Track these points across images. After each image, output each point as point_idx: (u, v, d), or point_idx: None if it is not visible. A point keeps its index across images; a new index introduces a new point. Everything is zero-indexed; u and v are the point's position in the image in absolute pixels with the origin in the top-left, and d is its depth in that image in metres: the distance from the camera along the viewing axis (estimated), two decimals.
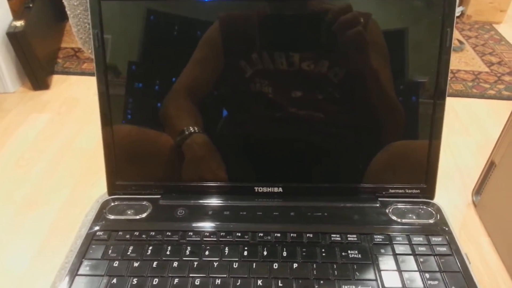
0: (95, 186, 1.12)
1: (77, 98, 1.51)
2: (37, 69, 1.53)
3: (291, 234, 0.45)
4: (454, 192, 1.14)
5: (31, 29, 1.48)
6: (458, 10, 2.12)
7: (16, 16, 1.50)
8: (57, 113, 1.43)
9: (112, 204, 0.50)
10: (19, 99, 1.50)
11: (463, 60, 1.76)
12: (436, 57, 0.45)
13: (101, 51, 0.47)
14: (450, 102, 1.51)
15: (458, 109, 1.47)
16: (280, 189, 0.50)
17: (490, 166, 1.02)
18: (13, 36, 1.43)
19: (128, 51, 0.48)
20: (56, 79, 1.62)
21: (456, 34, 1.96)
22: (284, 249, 0.43)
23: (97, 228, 0.46)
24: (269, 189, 0.50)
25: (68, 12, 0.50)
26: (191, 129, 0.49)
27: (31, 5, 1.57)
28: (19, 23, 1.46)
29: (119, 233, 0.45)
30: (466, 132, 1.37)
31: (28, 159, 1.23)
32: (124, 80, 0.48)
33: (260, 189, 0.50)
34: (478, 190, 1.08)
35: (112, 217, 0.48)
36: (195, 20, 0.46)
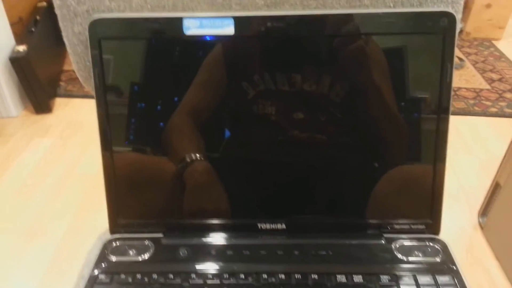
0: (98, 213, 1.10)
1: (79, 121, 1.51)
2: (39, 93, 1.54)
3: (296, 276, 0.44)
4: (460, 213, 1.13)
5: (34, 53, 1.50)
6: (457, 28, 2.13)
7: (19, 40, 1.52)
8: (59, 138, 1.44)
9: (114, 244, 0.49)
10: (21, 124, 1.51)
11: (463, 78, 1.77)
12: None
13: (102, 89, 0.47)
14: (452, 121, 1.49)
15: (460, 127, 1.47)
16: (284, 226, 0.49)
17: (495, 187, 1.01)
18: (15, 61, 1.45)
19: (129, 86, 0.48)
20: (59, 102, 1.63)
21: (456, 51, 1.97)
22: None
23: (99, 270, 0.46)
24: (273, 226, 0.49)
25: (69, 50, 0.50)
26: (193, 156, 0.49)
27: (33, 29, 1.59)
28: (22, 48, 1.47)
29: (121, 276, 0.45)
30: (469, 151, 1.36)
31: (30, 185, 1.23)
32: (125, 113, 0.48)
33: (263, 226, 0.49)
34: (484, 211, 1.07)
35: (114, 258, 0.47)
36: (195, 48, 0.46)
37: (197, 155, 0.49)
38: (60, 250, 1.03)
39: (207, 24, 0.45)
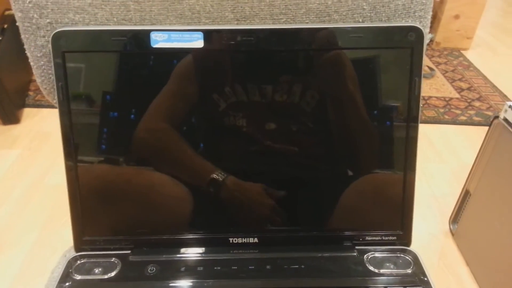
0: (66, 226, 1.07)
1: (48, 132, 1.47)
2: (6, 103, 1.48)
3: None
4: (431, 220, 1.15)
5: (0, 63, 1.45)
6: (427, 37, 2.18)
7: None
8: (27, 148, 1.39)
9: (79, 262, 0.47)
10: None
11: (434, 87, 1.81)
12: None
13: (65, 103, 0.45)
14: (423, 129, 1.54)
15: (431, 135, 1.50)
16: (256, 240, 0.49)
17: (465, 195, 1.03)
18: None
19: (94, 99, 0.46)
20: (27, 112, 1.58)
21: (426, 61, 2.02)
22: None
23: None
24: (244, 240, 0.49)
25: (31, 63, 0.49)
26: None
27: (0, 38, 1.54)
28: None
29: None
30: (439, 158, 1.39)
31: None
32: (90, 127, 0.47)
33: (235, 240, 0.49)
34: (455, 218, 1.09)
35: (78, 277, 0.45)
36: (163, 61, 0.45)
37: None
38: (26, 265, 0.99)
39: (176, 37, 0.44)
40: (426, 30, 0.47)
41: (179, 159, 0.49)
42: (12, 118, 1.51)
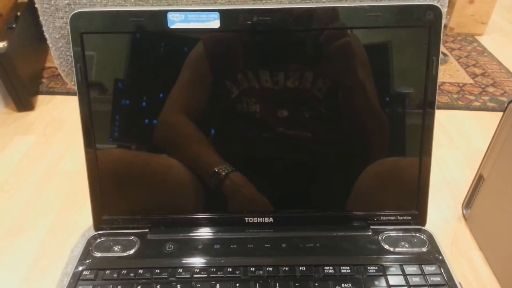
0: (81, 210, 1.10)
1: (62, 118, 1.49)
2: (21, 90, 1.50)
3: (284, 268, 0.44)
4: (444, 205, 1.14)
5: (15, 50, 1.46)
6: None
7: None
8: (42, 135, 1.41)
9: (99, 240, 0.48)
10: (3, 121, 1.47)
11: (447, 72, 1.79)
12: (424, 70, 0.45)
13: (84, 85, 0.46)
14: (436, 115, 1.51)
15: (444, 121, 1.49)
16: (271, 219, 0.49)
17: (479, 180, 1.03)
18: None
19: (112, 82, 0.47)
20: (41, 99, 1.59)
21: None
22: (277, 284, 0.43)
23: (83, 267, 0.45)
24: (260, 220, 0.49)
25: (50, 45, 0.49)
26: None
27: (14, 26, 1.55)
28: (2, 44, 1.44)
29: (106, 272, 0.44)
30: (453, 144, 1.38)
31: (12, 183, 1.20)
32: (109, 108, 0.47)
33: (251, 220, 0.49)
34: (468, 203, 1.08)
35: (98, 254, 0.47)
36: (180, 43, 0.46)
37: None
38: (43, 248, 1.01)
39: (192, 17, 0.44)
40: (444, 9, 0.47)
41: (188, 147, 0.49)
42: (26, 105, 1.53)
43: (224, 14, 0.44)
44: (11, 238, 1.04)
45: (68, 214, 1.10)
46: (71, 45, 0.45)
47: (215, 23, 0.44)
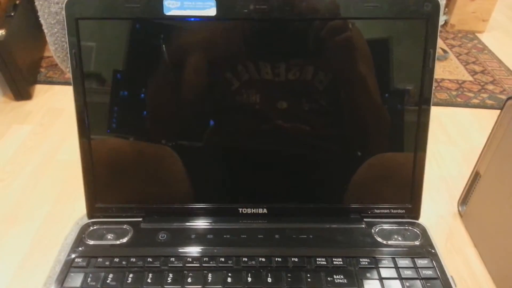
0: (78, 199, 1.08)
1: (60, 108, 1.48)
2: (19, 79, 1.50)
3: (276, 259, 0.44)
4: (440, 202, 1.15)
5: (13, 38, 1.46)
6: (441, 19, 2.14)
7: None
8: (39, 124, 1.41)
9: (92, 228, 0.48)
10: (0, 110, 1.47)
11: (447, 69, 1.78)
12: (421, 67, 0.45)
13: (79, 71, 0.46)
14: (435, 111, 1.51)
15: (442, 118, 1.48)
16: (265, 210, 0.49)
17: (475, 177, 1.03)
18: None
19: (108, 68, 0.47)
20: (39, 88, 1.59)
21: (440, 43, 1.99)
22: (269, 274, 0.43)
23: (76, 254, 0.45)
24: (254, 210, 0.49)
25: (45, 31, 0.49)
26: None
27: (12, 14, 1.54)
28: (0, 33, 1.43)
29: (99, 259, 0.44)
30: (450, 141, 1.38)
31: (9, 172, 1.20)
32: (103, 97, 0.47)
33: (245, 210, 0.49)
34: (464, 200, 1.08)
35: (91, 242, 0.46)
36: (178, 32, 0.45)
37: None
38: (39, 236, 1.01)
39: (189, 4, 0.44)
40: (442, 1, 0.46)
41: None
42: (24, 94, 1.52)
43: (220, 1, 0.43)
44: (7, 227, 1.04)
45: (65, 204, 1.10)
46: (66, 30, 0.44)
47: (211, 11, 0.44)
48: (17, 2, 1.59)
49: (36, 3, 0.47)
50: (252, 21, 0.44)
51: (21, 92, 1.52)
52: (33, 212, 1.08)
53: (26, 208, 1.09)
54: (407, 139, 0.47)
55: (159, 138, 0.48)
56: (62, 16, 0.45)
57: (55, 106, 1.49)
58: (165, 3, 0.44)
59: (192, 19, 0.44)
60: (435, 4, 0.43)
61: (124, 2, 0.44)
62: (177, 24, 0.45)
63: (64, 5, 0.44)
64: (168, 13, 0.44)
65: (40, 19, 0.48)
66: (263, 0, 0.43)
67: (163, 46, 0.46)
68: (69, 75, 0.47)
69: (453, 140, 1.39)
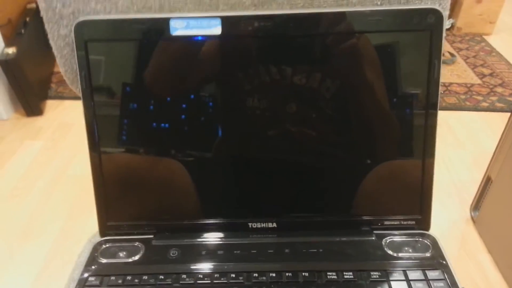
0: (90, 215, 1.10)
1: (70, 123, 1.50)
2: (30, 95, 1.52)
3: (287, 274, 0.44)
4: (452, 208, 1.14)
5: (23, 56, 1.48)
6: (448, 23, 2.14)
7: (8, 42, 1.50)
8: (50, 140, 1.43)
9: (104, 246, 0.49)
10: (12, 126, 1.49)
11: (455, 73, 1.77)
12: (426, 73, 0.45)
13: (89, 92, 0.46)
14: (444, 116, 1.51)
15: (452, 122, 1.47)
16: (274, 224, 0.49)
17: (487, 182, 1.02)
18: (5, 64, 1.43)
19: (117, 88, 0.48)
20: (50, 104, 1.61)
21: (447, 47, 1.98)
22: None
23: (89, 273, 0.46)
24: (263, 225, 0.49)
25: (55, 53, 0.50)
26: None
27: (23, 31, 1.57)
28: (11, 50, 1.46)
29: (111, 278, 0.45)
30: (460, 145, 1.37)
31: (22, 188, 1.22)
32: (113, 115, 0.48)
33: (254, 225, 0.49)
34: (476, 205, 1.07)
35: (104, 260, 0.47)
36: (184, 50, 0.46)
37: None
38: (52, 253, 1.02)
39: (194, 24, 0.45)
40: (445, 13, 0.46)
41: None
42: (35, 110, 1.55)
43: (225, 21, 0.44)
44: (21, 243, 1.05)
45: (77, 219, 1.11)
46: (75, 53, 0.45)
47: (216, 30, 0.44)
48: (27, 19, 1.62)
49: (46, 26, 0.49)
50: (256, 38, 0.45)
51: (32, 108, 1.54)
52: (46, 228, 1.09)
53: (39, 224, 1.10)
54: (415, 149, 0.47)
55: (168, 152, 0.49)
56: (71, 39, 0.46)
57: (66, 121, 1.51)
58: (172, 23, 0.44)
59: (198, 37, 0.45)
60: (438, 16, 0.44)
61: (131, 24, 0.45)
62: (183, 43, 0.46)
63: (73, 28, 0.45)
64: (175, 33, 0.44)
65: (50, 41, 0.49)
66: (266, 18, 0.44)
67: (170, 63, 0.47)
68: (78, 94, 0.48)
69: (463, 144, 1.38)
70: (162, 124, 0.48)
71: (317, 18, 0.44)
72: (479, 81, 1.72)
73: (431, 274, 0.44)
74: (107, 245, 0.49)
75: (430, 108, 0.46)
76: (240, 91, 0.46)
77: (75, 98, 1.60)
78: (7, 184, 1.23)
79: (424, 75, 0.45)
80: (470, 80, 1.72)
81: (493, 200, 1.00)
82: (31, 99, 1.53)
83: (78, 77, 0.46)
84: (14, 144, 1.40)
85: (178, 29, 0.45)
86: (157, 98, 0.47)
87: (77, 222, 1.10)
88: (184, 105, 0.48)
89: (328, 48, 0.45)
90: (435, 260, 0.45)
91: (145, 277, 0.44)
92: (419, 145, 0.47)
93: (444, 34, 0.46)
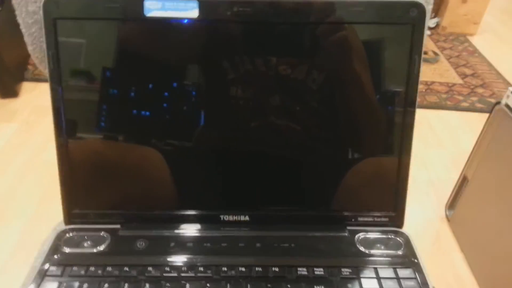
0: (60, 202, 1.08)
1: (47, 106, 1.43)
2: (5, 77, 1.48)
3: (257, 268, 0.43)
4: (428, 206, 1.14)
5: (0, 35, 1.43)
6: (433, 22, 2.15)
7: None
8: (25, 123, 1.39)
9: (68, 235, 0.47)
10: None
11: (437, 72, 1.79)
12: (406, 72, 0.44)
13: (56, 72, 0.44)
14: (425, 114, 1.52)
15: (432, 121, 1.48)
16: (247, 218, 0.48)
17: (463, 181, 1.03)
18: None
19: (86, 70, 0.45)
20: (26, 86, 1.57)
21: (431, 45, 1.99)
22: (249, 285, 0.42)
23: (51, 262, 0.44)
24: (236, 218, 0.48)
25: (22, 30, 0.48)
26: None
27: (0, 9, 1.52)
28: None
29: (74, 268, 0.43)
30: (440, 144, 1.38)
31: None
32: (82, 97, 0.46)
33: (226, 218, 0.48)
34: (451, 204, 1.08)
35: (67, 250, 0.45)
36: (159, 33, 0.44)
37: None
38: (21, 239, 1.00)
39: (170, 6, 0.43)
40: (429, 7, 0.45)
41: None
42: (10, 91, 1.50)
43: (203, 4, 0.42)
44: None
45: (49, 205, 1.08)
46: (43, 31, 0.43)
47: (193, 12, 0.43)
48: None
49: (13, 2, 0.46)
50: (235, 24, 0.43)
51: (8, 90, 1.50)
52: (17, 213, 1.06)
53: (10, 209, 1.07)
54: (392, 145, 0.47)
55: (142, 140, 0.47)
56: (40, 16, 0.44)
57: (42, 104, 1.47)
58: (146, 4, 0.42)
59: (175, 20, 0.43)
60: (421, 10, 0.43)
61: (104, 2, 0.42)
62: (158, 26, 0.44)
63: (41, 4, 0.42)
64: (149, 14, 0.43)
65: (17, 18, 0.47)
66: (247, 3, 0.42)
67: (144, 47, 0.45)
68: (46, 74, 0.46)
69: (442, 143, 1.39)
70: (135, 111, 0.46)
71: (298, 7, 0.43)
72: (460, 81, 1.73)
73: (402, 272, 0.43)
74: (71, 234, 0.47)
75: (409, 105, 0.45)
76: (222, 80, 0.45)
77: None
78: None
79: (404, 70, 0.44)
80: (452, 80, 1.74)
81: (468, 199, 1.01)
82: (6, 80, 1.48)
83: (46, 56, 0.44)
84: None
85: (153, 10, 0.43)
86: (130, 82, 0.46)
87: (49, 208, 1.07)
88: (165, 93, 0.46)
89: (308, 37, 0.44)
90: (407, 258, 0.45)
91: (109, 269, 0.42)
92: (396, 142, 0.46)
93: (427, 29, 0.45)
